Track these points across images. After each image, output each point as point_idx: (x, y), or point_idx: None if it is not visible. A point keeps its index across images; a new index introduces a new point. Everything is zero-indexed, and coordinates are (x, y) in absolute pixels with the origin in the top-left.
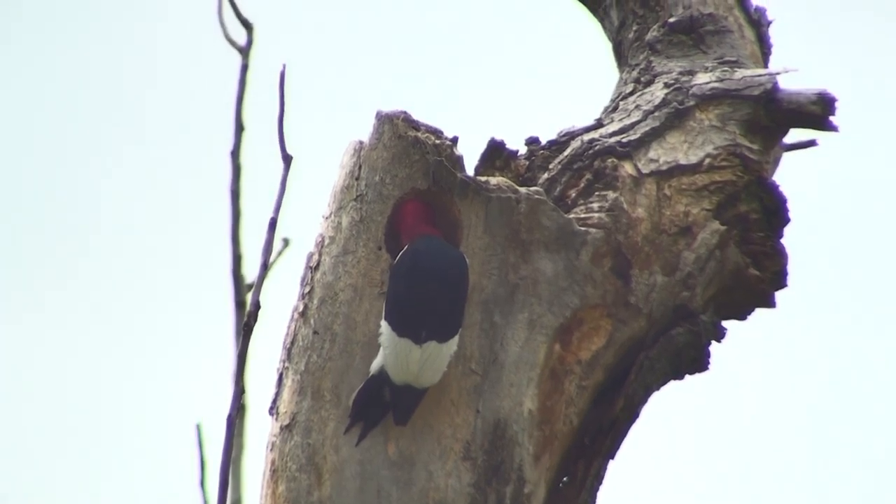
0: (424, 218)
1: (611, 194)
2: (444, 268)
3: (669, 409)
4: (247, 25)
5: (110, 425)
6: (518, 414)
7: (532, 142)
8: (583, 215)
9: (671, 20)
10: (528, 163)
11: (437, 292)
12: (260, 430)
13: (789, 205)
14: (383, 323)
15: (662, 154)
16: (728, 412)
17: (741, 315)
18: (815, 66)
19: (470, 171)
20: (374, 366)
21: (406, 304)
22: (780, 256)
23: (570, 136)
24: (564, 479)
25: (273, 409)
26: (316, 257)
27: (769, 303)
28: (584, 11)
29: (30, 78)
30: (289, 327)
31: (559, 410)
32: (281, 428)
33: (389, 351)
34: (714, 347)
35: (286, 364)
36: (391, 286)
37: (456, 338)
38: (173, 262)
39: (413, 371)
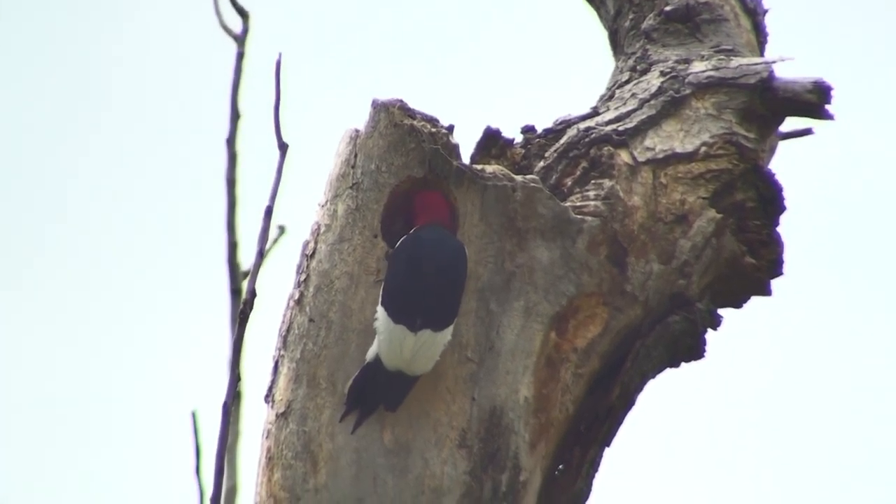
0: (443, 209)
1: (607, 182)
2: (444, 257)
3: (665, 396)
4: (242, 13)
5: (106, 414)
6: (514, 402)
7: (528, 130)
8: (579, 203)
9: (667, 9)
10: (524, 151)
11: (435, 281)
12: (255, 418)
13: (785, 193)
14: (380, 308)
15: (658, 142)
16: (724, 400)
17: (737, 303)
18: (811, 54)
19: (466, 159)
20: (370, 353)
21: (403, 291)
22: (775, 245)
23: (567, 124)
24: (560, 466)
25: (269, 397)
26: (312, 245)
27: (765, 291)
28: None
29: (24, 69)
30: (284, 315)
31: (555, 398)
32: (277, 416)
33: (384, 336)
34: (710, 335)
35: (282, 352)
36: (389, 272)
37: (451, 327)
38: (169, 250)
39: (405, 358)
